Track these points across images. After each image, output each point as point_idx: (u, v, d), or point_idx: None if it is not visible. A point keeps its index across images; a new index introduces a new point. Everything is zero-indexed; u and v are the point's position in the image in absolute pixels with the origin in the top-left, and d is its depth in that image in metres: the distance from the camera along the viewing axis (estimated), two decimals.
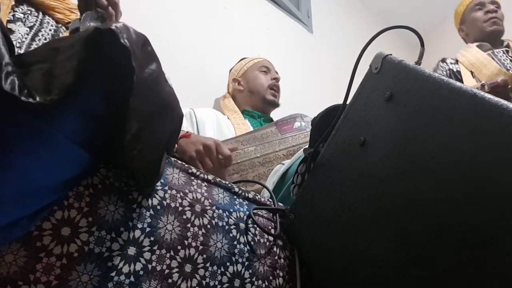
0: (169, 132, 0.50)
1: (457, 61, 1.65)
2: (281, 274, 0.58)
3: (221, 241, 0.54)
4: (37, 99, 0.35)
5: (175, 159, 0.58)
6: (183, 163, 0.58)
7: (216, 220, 0.55)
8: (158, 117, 0.46)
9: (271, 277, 0.57)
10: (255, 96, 1.45)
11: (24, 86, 0.35)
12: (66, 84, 0.36)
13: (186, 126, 1.20)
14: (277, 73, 1.54)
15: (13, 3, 0.87)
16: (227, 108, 1.44)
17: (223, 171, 0.90)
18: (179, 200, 0.52)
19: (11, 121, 0.36)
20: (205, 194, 0.56)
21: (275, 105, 1.47)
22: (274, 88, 1.46)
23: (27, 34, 0.86)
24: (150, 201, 0.49)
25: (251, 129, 1.30)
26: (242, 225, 0.58)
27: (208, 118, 1.27)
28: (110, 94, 0.42)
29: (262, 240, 0.59)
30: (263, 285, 0.55)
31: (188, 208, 0.52)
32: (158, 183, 0.51)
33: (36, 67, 0.40)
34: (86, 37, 0.38)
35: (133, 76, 0.40)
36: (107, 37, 0.39)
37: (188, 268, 0.49)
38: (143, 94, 0.42)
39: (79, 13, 0.99)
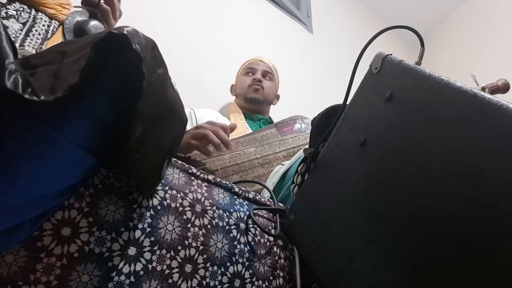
0: (172, 137, 0.50)
1: None
2: (281, 274, 0.58)
3: (221, 241, 0.54)
4: (41, 97, 0.34)
5: (175, 159, 0.58)
6: (183, 163, 0.58)
7: (216, 220, 0.55)
8: (163, 122, 0.46)
9: (271, 277, 0.57)
10: (241, 98, 1.50)
11: (28, 84, 0.34)
12: (71, 84, 0.36)
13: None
14: (269, 72, 1.53)
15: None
16: (232, 112, 1.45)
17: (223, 139, 0.87)
18: (180, 200, 0.52)
19: (18, 127, 0.36)
20: (206, 194, 0.56)
21: (257, 101, 1.46)
22: (255, 85, 1.47)
23: (21, 30, 0.86)
24: (150, 201, 0.49)
25: (249, 130, 1.31)
26: (242, 225, 0.58)
27: (208, 119, 1.28)
28: (116, 98, 0.42)
29: (262, 240, 0.59)
30: (264, 285, 0.55)
31: (189, 208, 0.52)
32: None
33: (42, 69, 0.40)
34: (98, 40, 0.38)
35: (143, 82, 0.40)
36: (119, 42, 0.39)
37: (188, 268, 0.49)
38: (150, 99, 0.42)
39: (72, 9, 1.00)
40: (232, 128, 0.97)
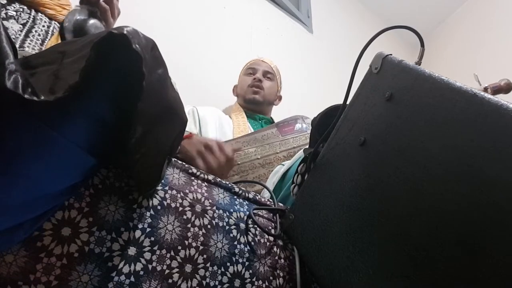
0: (172, 137, 0.50)
1: None
2: (281, 274, 0.58)
3: (221, 241, 0.54)
4: (42, 97, 0.34)
5: (176, 159, 0.58)
6: (184, 163, 0.58)
7: (216, 220, 0.55)
8: (163, 122, 0.46)
9: (271, 277, 0.57)
10: (241, 99, 1.51)
11: (28, 85, 0.34)
12: (71, 84, 0.36)
13: (188, 124, 1.20)
14: (269, 73, 1.54)
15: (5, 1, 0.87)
16: (234, 111, 1.46)
17: (225, 172, 0.89)
18: (180, 200, 0.52)
19: (18, 127, 0.36)
20: (206, 194, 0.56)
21: (257, 102, 1.46)
22: (254, 86, 1.47)
23: (21, 31, 0.86)
24: (150, 201, 0.49)
25: (250, 129, 1.30)
26: (242, 225, 0.58)
27: (211, 117, 1.28)
28: (116, 98, 0.42)
29: (262, 240, 0.59)
30: (264, 285, 0.55)
31: (189, 208, 0.52)
32: None
33: (42, 69, 0.40)
34: (98, 40, 0.38)
35: (143, 82, 0.39)
36: (119, 42, 0.39)
37: (188, 268, 0.49)
38: (150, 99, 0.42)
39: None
40: (237, 151, 1.02)
